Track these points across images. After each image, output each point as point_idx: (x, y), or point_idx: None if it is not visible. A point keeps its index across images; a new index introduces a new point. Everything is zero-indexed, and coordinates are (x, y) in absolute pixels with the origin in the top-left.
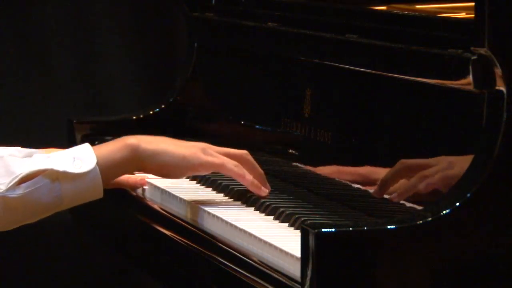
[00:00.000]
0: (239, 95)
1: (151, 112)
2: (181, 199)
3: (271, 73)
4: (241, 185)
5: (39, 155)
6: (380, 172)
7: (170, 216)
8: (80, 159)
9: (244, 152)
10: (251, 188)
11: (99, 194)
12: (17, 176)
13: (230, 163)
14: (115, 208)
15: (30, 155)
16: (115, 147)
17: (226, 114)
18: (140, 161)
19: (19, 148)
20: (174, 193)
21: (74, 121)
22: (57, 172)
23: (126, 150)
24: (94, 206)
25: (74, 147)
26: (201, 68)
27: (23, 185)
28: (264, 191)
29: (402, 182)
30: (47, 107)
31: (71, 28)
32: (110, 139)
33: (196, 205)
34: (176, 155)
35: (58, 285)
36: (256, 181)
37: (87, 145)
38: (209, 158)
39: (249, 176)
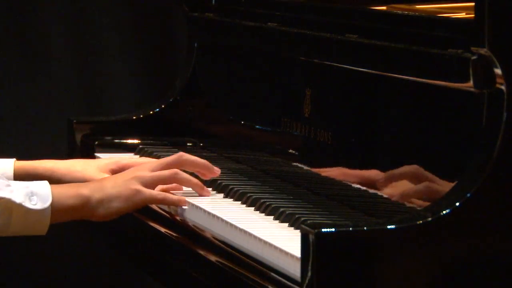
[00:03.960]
0: (239, 95)
1: (151, 112)
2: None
3: (271, 73)
4: (241, 185)
5: (0, 181)
6: (380, 172)
7: (170, 215)
8: (37, 195)
9: (178, 155)
10: (199, 189)
11: (43, 231)
12: None
13: (170, 196)
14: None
15: None
16: (69, 192)
17: (226, 114)
18: (89, 211)
19: None
20: (174, 193)
21: (74, 121)
22: (14, 203)
23: (78, 199)
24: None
25: (34, 182)
26: (201, 68)
27: None
28: (215, 172)
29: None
30: (47, 107)
31: (71, 28)
32: (110, 139)
33: (196, 205)
34: (121, 199)
35: (58, 285)
36: (199, 183)
37: (45, 183)
38: (153, 194)
39: (195, 181)
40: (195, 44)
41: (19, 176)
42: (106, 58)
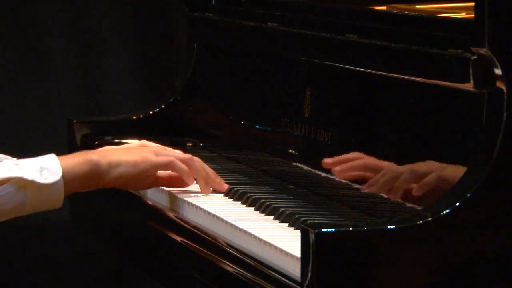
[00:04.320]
0: (239, 95)
1: (151, 112)
2: (182, 199)
3: (271, 73)
4: (241, 185)
5: (8, 161)
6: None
7: (170, 215)
8: (47, 169)
9: (191, 158)
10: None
11: (58, 204)
12: None
13: (178, 164)
14: (115, 207)
15: (0, 161)
16: (78, 161)
17: (226, 114)
18: (99, 177)
19: None
20: (173, 192)
21: (74, 121)
22: (25, 181)
23: (88, 166)
24: (94, 206)
25: (41, 157)
26: (201, 68)
27: None
28: (221, 186)
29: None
30: (47, 107)
31: (71, 28)
32: (110, 139)
33: (196, 205)
34: (129, 164)
35: (58, 285)
36: (212, 175)
37: (53, 156)
38: (160, 158)
39: (192, 180)
40: (195, 44)
41: None
42: (106, 58)
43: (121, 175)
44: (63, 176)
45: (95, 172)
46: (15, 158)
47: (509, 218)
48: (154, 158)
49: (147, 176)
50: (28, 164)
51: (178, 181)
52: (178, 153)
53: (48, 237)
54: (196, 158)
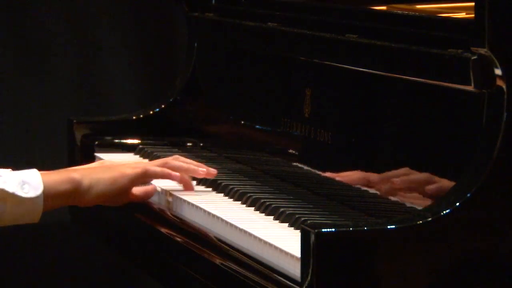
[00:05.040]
0: (239, 95)
1: (151, 112)
2: (182, 199)
3: (271, 73)
4: (241, 185)
5: None
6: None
7: (170, 215)
8: (28, 184)
9: (164, 159)
10: (182, 183)
11: (36, 219)
12: None
13: (152, 169)
14: (114, 207)
15: None
16: (60, 178)
17: (226, 114)
18: (79, 196)
19: None
20: (174, 194)
21: (74, 121)
22: (7, 193)
23: (69, 184)
24: (94, 206)
25: (23, 171)
26: (201, 68)
27: None
28: (204, 171)
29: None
30: (47, 107)
31: (71, 28)
32: (110, 139)
33: (196, 205)
34: (107, 182)
35: (58, 285)
36: (185, 177)
37: (35, 171)
38: (134, 171)
39: (175, 174)
40: (195, 44)
41: None
42: (106, 58)
43: (100, 194)
44: (43, 191)
45: (76, 191)
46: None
47: (509, 218)
48: (129, 171)
49: (126, 190)
50: (10, 176)
51: (152, 193)
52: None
53: (48, 237)
54: (171, 158)
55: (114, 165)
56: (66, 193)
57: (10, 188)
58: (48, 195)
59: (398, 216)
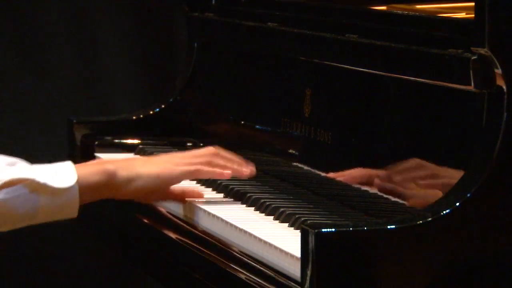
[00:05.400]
0: (239, 95)
1: (151, 112)
2: None
3: (271, 73)
4: (241, 185)
5: (22, 164)
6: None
7: (170, 216)
8: (61, 174)
9: (210, 149)
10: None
11: (73, 213)
12: None
13: (205, 169)
14: (116, 207)
15: (13, 164)
16: (94, 169)
17: (226, 114)
18: (115, 188)
19: (2, 156)
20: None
21: (74, 121)
22: (38, 183)
23: (103, 176)
24: (95, 206)
25: (57, 163)
26: (201, 68)
27: (3, 190)
28: (248, 171)
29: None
30: (47, 107)
31: (71, 28)
32: (110, 139)
33: (196, 205)
34: (150, 177)
35: (58, 285)
36: (239, 162)
37: (69, 163)
38: (184, 168)
39: (227, 172)
40: (195, 44)
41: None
42: (106, 58)
43: (141, 189)
44: (77, 182)
45: (111, 183)
46: (28, 163)
47: (509, 218)
48: (177, 169)
49: (166, 188)
50: (42, 168)
51: (191, 194)
52: (196, 153)
53: (48, 237)
54: (213, 152)
55: (156, 159)
56: (100, 184)
57: (42, 178)
58: (82, 185)
59: (398, 216)
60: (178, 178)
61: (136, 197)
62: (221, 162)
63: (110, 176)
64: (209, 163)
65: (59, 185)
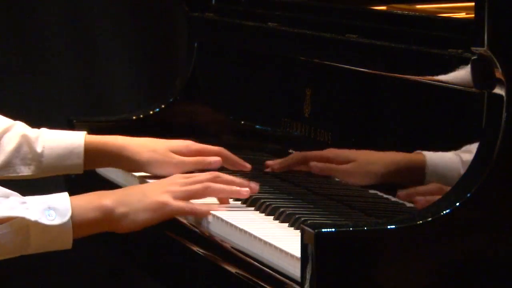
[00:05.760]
0: (239, 95)
1: (151, 112)
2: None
3: (271, 73)
4: None
5: (15, 198)
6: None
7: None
8: (54, 209)
9: (206, 183)
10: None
11: (67, 246)
12: None
13: (199, 209)
14: None
15: (7, 196)
16: (90, 205)
17: (226, 114)
18: (112, 223)
19: None
20: None
21: (74, 121)
22: (28, 221)
23: (99, 212)
24: None
25: (52, 195)
26: (201, 68)
27: None
28: (247, 192)
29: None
30: (47, 106)
31: (71, 28)
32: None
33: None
34: (147, 212)
35: (58, 285)
36: (235, 189)
37: (65, 196)
38: (180, 205)
39: (229, 188)
40: (195, 44)
41: (89, 152)
42: (106, 58)
43: (139, 224)
44: (72, 218)
45: (107, 219)
46: (21, 197)
47: (509, 218)
48: (175, 205)
49: (165, 218)
50: (35, 202)
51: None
52: (197, 179)
53: None
54: (210, 177)
55: (155, 188)
56: (97, 220)
57: (33, 216)
58: (76, 221)
59: (398, 216)
60: (173, 215)
61: (133, 230)
62: (217, 187)
63: (107, 213)
64: (204, 190)
65: (52, 222)
